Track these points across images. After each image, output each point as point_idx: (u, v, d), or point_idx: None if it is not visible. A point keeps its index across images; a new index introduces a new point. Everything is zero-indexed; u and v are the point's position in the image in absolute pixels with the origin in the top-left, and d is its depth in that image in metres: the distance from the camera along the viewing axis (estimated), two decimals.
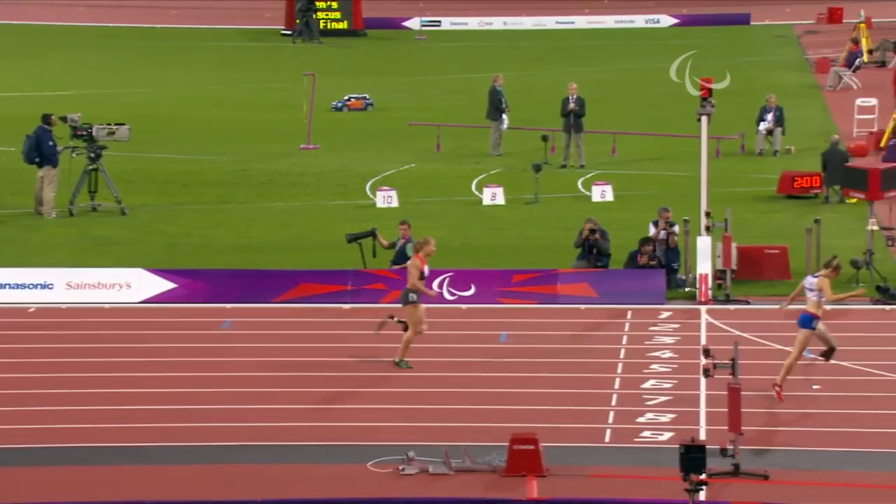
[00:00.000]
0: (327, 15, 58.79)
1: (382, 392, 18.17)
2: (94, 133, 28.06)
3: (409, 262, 19.53)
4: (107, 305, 22.06)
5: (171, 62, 52.61)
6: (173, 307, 22.13)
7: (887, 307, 21.64)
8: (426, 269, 19.07)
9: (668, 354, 19.54)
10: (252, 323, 21.50)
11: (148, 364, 19.40)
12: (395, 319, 19.17)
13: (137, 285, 22.32)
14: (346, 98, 40.48)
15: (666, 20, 60.91)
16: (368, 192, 30.43)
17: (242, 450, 16.25)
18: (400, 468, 15.58)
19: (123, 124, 28.68)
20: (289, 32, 58.31)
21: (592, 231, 22.78)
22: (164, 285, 22.62)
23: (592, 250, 22.98)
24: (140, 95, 44.32)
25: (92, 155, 28.09)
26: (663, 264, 22.81)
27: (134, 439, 16.54)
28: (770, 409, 17.23)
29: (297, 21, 57.50)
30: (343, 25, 59.06)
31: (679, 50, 55.45)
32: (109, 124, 28.56)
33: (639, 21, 60.91)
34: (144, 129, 35.18)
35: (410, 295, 18.97)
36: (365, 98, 40.24)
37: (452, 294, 22.42)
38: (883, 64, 45.15)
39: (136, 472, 15.64)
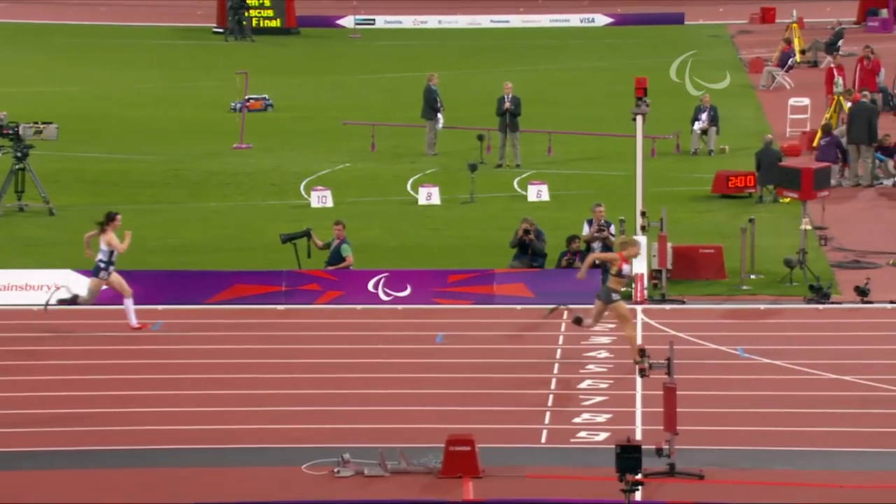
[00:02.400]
0: (260, 13, 58.50)
1: (317, 393, 18.12)
2: (20, 132, 27.75)
3: (609, 256, 19.37)
4: (35, 308, 21.81)
5: (101, 60, 52.11)
6: (103, 309, 21.91)
7: (820, 306, 21.93)
8: (626, 269, 19.15)
9: (604, 354, 19.67)
10: (184, 325, 21.36)
11: (77, 367, 19.22)
12: (560, 307, 19.12)
13: (66, 287, 22.08)
14: (245, 99, 40.28)
15: (601, 19, 61.26)
16: (303, 192, 30.34)
17: (174, 453, 16.14)
18: (335, 470, 15.56)
19: (51, 123, 28.37)
20: (221, 30, 57.95)
21: (527, 231, 22.88)
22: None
23: (528, 250, 23.08)
24: (68, 94, 43.86)
25: (19, 154, 27.77)
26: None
27: (58, 443, 16.36)
28: (705, 408, 17.40)
29: (229, 19, 57.17)
30: (276, 23, 58.80)
31: (614, 49, 55.96)
32: (36, 123, 28.25)
33: (574, 20, 61.20)
34: (73, 128, 34.82)
35: (613, 295, 18.94)
36: (265, 99, 39.75)
37: (388, 294, 22.42)
38: (815, 64, 45.70)
39: (63, 476, 15.48)
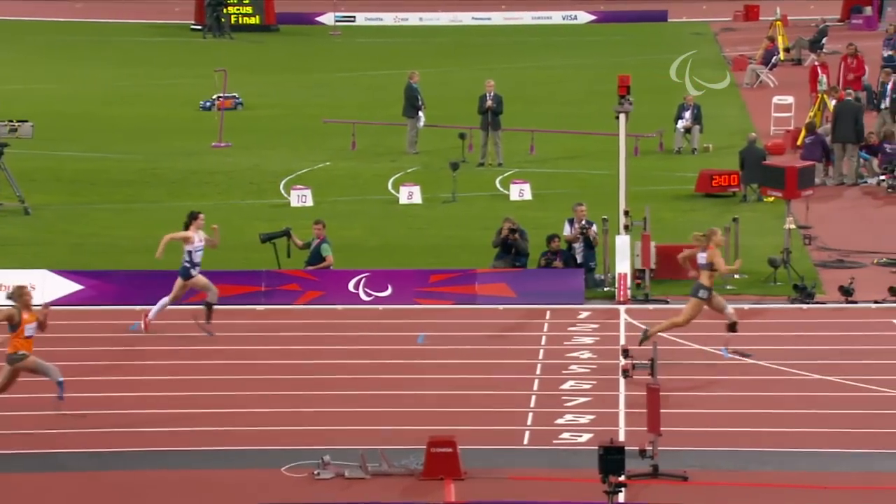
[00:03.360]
0: (238, 10, 58.39)
1: (297, 395, 18.09)
2: None
3: (708, 255, 19.27)
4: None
5: (77, 57, 51.95)
6: (80, 310, 21.86)
7: (804, 306, 21.99)
8: (701, 258, 19.25)
9: (587, 355, 19.69)
10: (162, 325, 21.30)
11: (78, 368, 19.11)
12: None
13: (42, 287, 22.00)
14: (214, 97, 40.17)
15: (583, 17, 61.34)
16: (282, 191, 30.30)
17: (153, 455, 16.10)
18: (315, 472, 15.54)
19: (26, 121, 28.28)
20: (199, 27, 57.83)
21: (512, 231, 22.88)
22: (70, 287, 22.35)
23: (511, 250, 23.09)
24: (44, 91, 43.69)
25: None
26: (579, 263, 22.97)
27: (35, 446, 16.30)
28: (689, 409, 17.43)
29: (207, 16, 57.06)
30: (255, 20, 58.69)
31: (597, 47, 56.00)
32: (11, 121, 28.15)
33: (556, 17, 61.26)
34: (49, 127, 34.71)
35: (701, 291, 18.99)
36: (235, 97, 39.47)
37: (369, 295, 22.40)
38: (799, 62, 45.83)
39: (37, 480, 15.42)
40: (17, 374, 17.13)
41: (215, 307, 20.62)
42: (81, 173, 32.15)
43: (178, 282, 20.71)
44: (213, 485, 15.37)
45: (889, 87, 33.16)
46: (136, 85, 45.71)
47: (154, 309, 20.73)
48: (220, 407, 17.68)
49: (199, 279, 20.67)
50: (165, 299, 20.74)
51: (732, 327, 19.39)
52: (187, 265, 20.62)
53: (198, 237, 20.61)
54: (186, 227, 20.68)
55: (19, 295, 16.96)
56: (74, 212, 28.47)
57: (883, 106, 32.98)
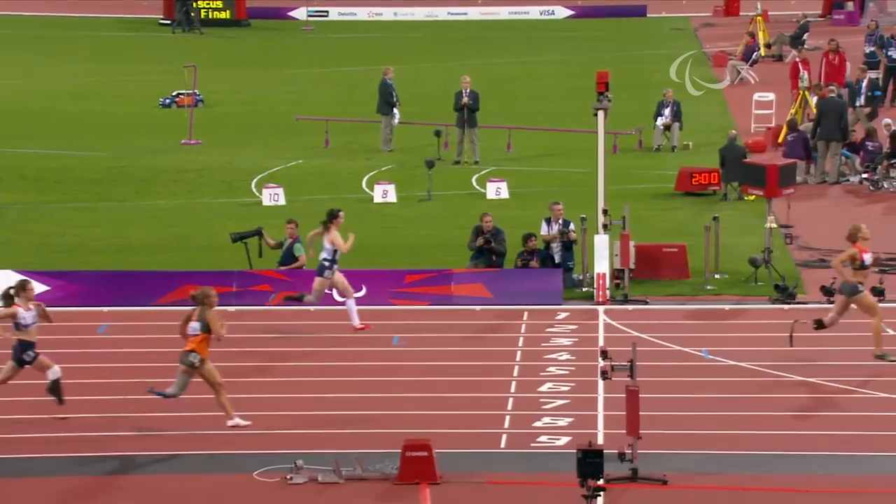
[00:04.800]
0: (208, 4, 58.28)
1: (269, 398, 18.07)
2: None
3: (847, 255, 19.20)
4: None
5: (43, 52, 51.73)
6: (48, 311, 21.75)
7: (785, 306, 22.08)
8: (867, 258, 19.23)
9: (565, 356, 19.73)
10: (130, 327, 21.25)
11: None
12: (803, 322, 19.22)
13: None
14: (174, 94, 40.00)
15: (561, 11, 61.45)
16: (254, 190, 30.26)
17: (120, 460, 16.05)
18: (288, 477, 15.53)
19: None
20: (168, 22, 57.70)
21: (487, 241, 22.85)
22: (36, 288, 22.13)
23: (492, 256, 23.08)
24: (9, 87, 43.51)
25: None
26: (556, 263, 23.02)
27: (7, 451, 16.22)
28: (669, 411, 17.48)
29: (177, 10, 56.92)
30: (225, 15, 58.60)
31: (575, 42, 56.09)
32: None
33: (533, 12, 61.36)
34: (13, 123, 34.60)
35: (859, 286, 19.05)
36: (195, 94, 39.19)
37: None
38: (780, 58, 46.01)
39: (8, 485, 15.35)
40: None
41: (304, 304, 20.64)
42: (47, 171, 32.03)
43: (317, 280, 20.73)
44: (183, 490, 15.34)
45: (864, 84, 33.32)
46: (102, 81, 45.57)
47: (353, 317, 20.63)
48: (189, 410, 17.64)
49: (338, 278, 20.67)
50: (350, 302, 20.67)
51: (820, 325, 19.38)
52: (326, 263, 20.63)
53: (331, 238, 20.57)
54: (327, 227, 20.70)
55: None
56: (40, 211, 28.36)
57: (858, 104, 33.13)
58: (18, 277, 22.07)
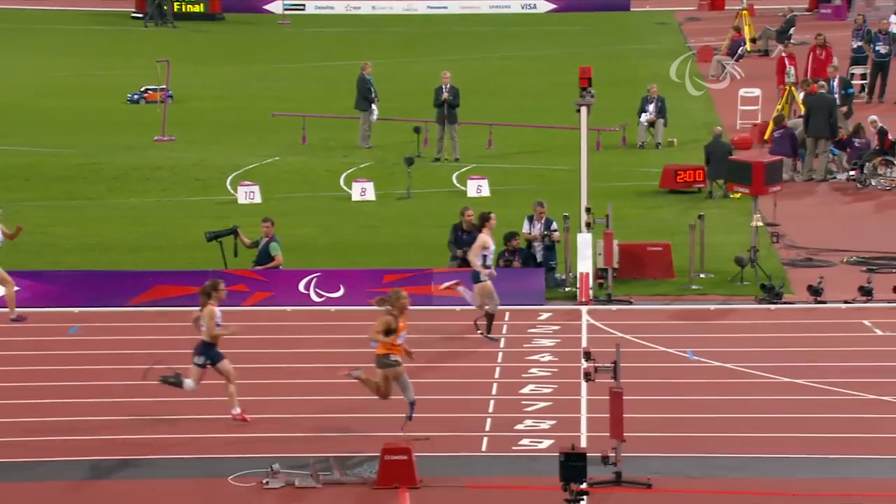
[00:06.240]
0: None
1: (245, 401, 18.05)
2: None
3: None
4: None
5: (10, 46, 51.53)
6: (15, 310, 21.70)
7: (772, 307, 22.16)
8: None
9: (547, 358, 19.77)
10: (102, 328, 21.22)
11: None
12: None
13: None
14: (142, 90, 39.89)
15: (543, 5, 61.51)
16: (229, 187, 30.23)
17: (92, 464, 16.03)
18: (264, 482, 15.52)
19: None
20: (140, 15, 57.55)
21: (465, 253, 22.95)
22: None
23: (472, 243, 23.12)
24: None
25: None
26: (539, 262, 23.05)
27: None
28: (653, 413, 17.54)
29: (149, 4, 56.78)
30: (199, 8, 58.46)
31: (557, 37, 56.15)
32: None
33: (514, 6, 61.39)
34: None
35: None
36: (164, 90, 38.95)
37: (320, 295, 22.40)
38: (766, 53, 46.14)
39: None
40: None
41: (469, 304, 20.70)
42: (15, 168, 31.93)
43: (476, 287, 20.67)
44: (158, 495, 15.32)
45: (835, 83, 33.46)
46: (73, 75, 45.44)
47: (466, 295, 20.74)
48: (164, 413, 17.62)
49: (487, 286, 20.63)
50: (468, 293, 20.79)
51: None
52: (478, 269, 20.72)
53: (484, 241, 20.64)
54: (479, 229, 20.84)
55: None
56: (8, 209, 28.23)
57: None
58: None
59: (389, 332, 16.73)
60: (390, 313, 16.81)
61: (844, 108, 33.13)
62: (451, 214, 25.06)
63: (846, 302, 22.25)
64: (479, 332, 20.39)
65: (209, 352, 17.17)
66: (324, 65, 47.77)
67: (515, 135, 35.24)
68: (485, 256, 20.63)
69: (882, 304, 22.08)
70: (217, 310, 17.17)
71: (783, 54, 37.29)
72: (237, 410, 17.21)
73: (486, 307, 20.63)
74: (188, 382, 17.22)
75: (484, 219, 20.93)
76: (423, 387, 18.61)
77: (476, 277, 20.62)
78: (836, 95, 33.04)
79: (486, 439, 16.84)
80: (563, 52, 48.73)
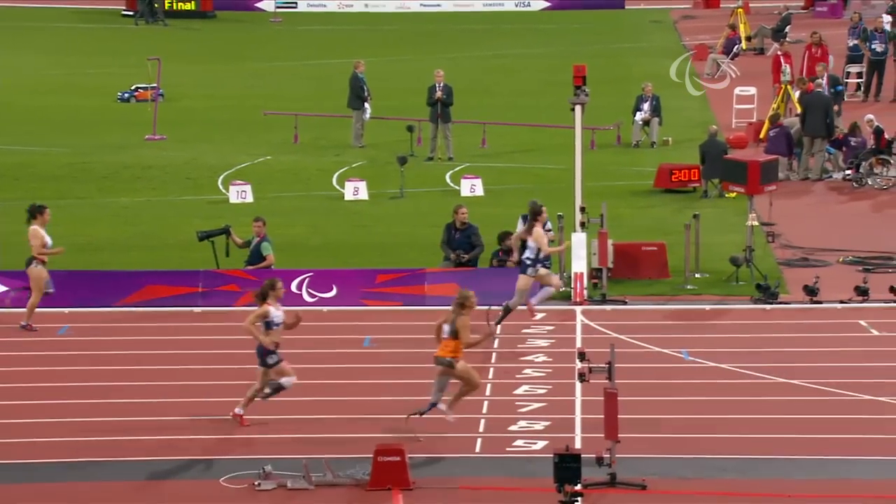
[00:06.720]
0: None
1: (236, 401, 18.04)
2: None
3: None
4: None
5: (0, 44, 51.47)
6: (4, 312, 21.70)
7: (767, 307, 22.19)
8: None
9: (541, 358, 19.79)
10: (93, 329, 21.21)
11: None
12: None
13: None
14: (133, 88, 39.85)
15: (537, 3, 61.54)
16: (220, 187, 30.22)
17: (81, 466, 16.02)
18: (256, 483, 15.53)
19: None
20: (130, 13, 57.50)
21: (459, 256, 22.93)
22: None
23: (468, 243, 23.14)
24: None
25: None
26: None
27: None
28: (648, 414, 17.55)
29: (140, 1, 56.74)
30: (190, 6, 58.42)
31: (551, 35, 56.17)
32: None
33: (508, 4, 61.41)
34: None
35: None
36: (155, 88, 38.89)
37: (312, 296, 22.40)
38: (761, 51, 46.18)
39: None
40: None
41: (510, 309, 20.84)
42: (5, 167, 31.89)
43: (521, 278, 20.90)
44: (149, 497, 15.31)
45: (824, 82, 33.49)
46: (62, 74, 45.40)
47: (537, 298, 20.97)
48: (156, 415, 17.62)
49: (529, 281, 20.92)
50: (546, 290, 21.04)
51: None
52: (528, 262, 20.85)
53: (536, 237, 20.82)
54: (530, 223, 20.91)
55: None
56: None
57: None
58: None
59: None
60: (463, 314, 16.78)
61: (836, 107, 33.17)
62: (444, 214, 25.06)
63: (842, 302, 22.28)
64: (489, 322, 20.49)
65: (268, 351, 17.08)
66: (316, 63, 47.76)
67: (509, 134, 35.25)
68: (538, 250, 20.75)
69: (878, 304, 22.11)
70: (271, 309, 17.04)
71: (779, 52, 37.33)
72: (240, 411, 17.15)
73: (510, 301, 20.77)
74: (285, 381, 17.13)
75: (536, 211, 20.99)
76: (417, 388, 18.62)
77: (524, 268, 20.86)
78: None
79: (479, 440, 16.85)
80: (557, 50, 48.75)
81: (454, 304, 16.99)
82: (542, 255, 20.87)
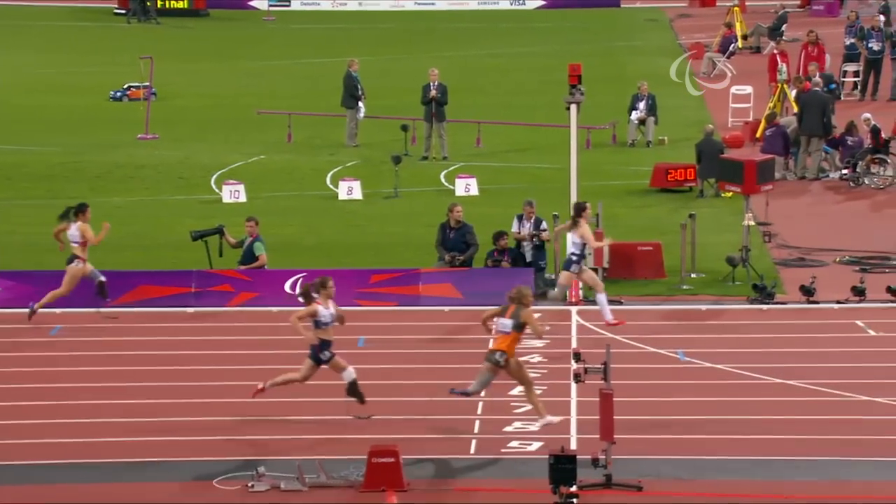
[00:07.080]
0: None
1: (229, 403, 18.05)
2: None
3: None
4: None
5: None
6: (1, 312, 21.71)
7: (764, 307, 22.20)
8: None
9: (537, 359, 19.79)
10: (85, 329, 21.19)
11: None
12: None
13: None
14: (125, 87, 39.85)
15: (532, 2, 61.58)
16: (213, 186, 30.22)
17: (73, 468, 16.00)
18: (249, 485, 15.52)
19: None
20: (122, 11, 57.49)
21: (453, 257, 22.92)
22: None
23: (463, 241, 23.14)
24: None
25: None
26: (528, 262, 23.07)
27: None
28: (644, 415, 17.56)
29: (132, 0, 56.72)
30: (183, 4, 58.43)
31: (546, 34, 56.23)
32: None
33: (503, 2, 61.45)
34: None
35: None
36: (147, 87, 38.78)
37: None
38: (758, 50, 46.22)
39: None
40: None
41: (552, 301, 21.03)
42: None
43: (563, 274, 21.21)
44: (142, 498, 15.30)
45: (819, 81, 33.52)
46: (54, 73, 45.36)
47: (606, 312, 20.87)
48: (148, 416, 17.61)
49: (588, 274, 21.07)
50: (601, 296, 20.96)
51: None
52: (574, 258, 21.04)
53: (581, 233, 20.94)
54: (576, 221, 21.03)
55: None
56: None
57: None
58: None
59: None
60: (526, 309, 16.83)
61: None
62: (439, 213, 25.06)
63: (839, 302, 22.30)
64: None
65: (321, 348, 17.16)
66: (310, 62, 47.76)
67: (504, 133, 35.26)
68: (583, 246, 20.88)
69: (875, 304, 22.14)
70: (320, 308, 17.07)
71: (775, 51, 37.35)
72: (263, 386, 17.27)
73: (551, 293, 21.16)
74: (345, 375, 17.26)
75: (581, 209, 21.08)
76: (412, 389, 18.63)
77: (569, 264, 21.04)
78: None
79: (474, 441, 16.85)
80: (552, 48, 48.77)
81: (512, 301, 16.92)
82: (587, 251, 21.04)
